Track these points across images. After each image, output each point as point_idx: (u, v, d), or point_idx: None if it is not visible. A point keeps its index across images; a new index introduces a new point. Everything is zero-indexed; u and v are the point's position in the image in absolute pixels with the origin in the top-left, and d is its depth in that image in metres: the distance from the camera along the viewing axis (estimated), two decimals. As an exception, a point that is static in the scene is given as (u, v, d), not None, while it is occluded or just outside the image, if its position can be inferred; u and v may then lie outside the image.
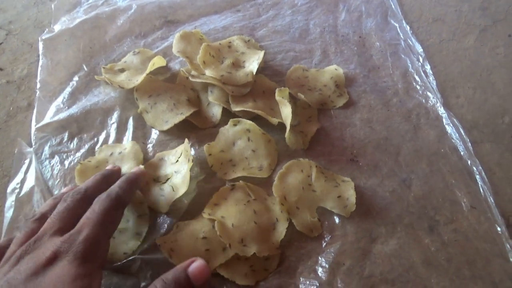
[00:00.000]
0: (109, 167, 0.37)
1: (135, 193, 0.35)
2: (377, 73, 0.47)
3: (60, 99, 0.45)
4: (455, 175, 0.39)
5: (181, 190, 0.36)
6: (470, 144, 0.41)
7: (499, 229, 0.36)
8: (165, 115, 0.42)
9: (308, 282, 0.34)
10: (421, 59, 0.47)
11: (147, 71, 0.43)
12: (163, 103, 0.43)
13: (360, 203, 0.37)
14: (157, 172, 0.39)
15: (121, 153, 0.40)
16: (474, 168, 0.39)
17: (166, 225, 0.36)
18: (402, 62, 0.47)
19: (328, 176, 0.39)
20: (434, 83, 0.45)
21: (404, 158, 0.40)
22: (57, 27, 0.51)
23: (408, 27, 0.50)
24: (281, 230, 0.36)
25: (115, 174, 0.36)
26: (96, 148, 0.42)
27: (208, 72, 0.42)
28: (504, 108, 0.44)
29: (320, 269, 0.34)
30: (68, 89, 0.46)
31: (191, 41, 0.46)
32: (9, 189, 0.39)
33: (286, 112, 0.39)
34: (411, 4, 0.54)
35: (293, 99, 0.44)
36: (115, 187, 0.31)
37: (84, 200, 0.31)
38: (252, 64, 0.44)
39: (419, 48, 0.48)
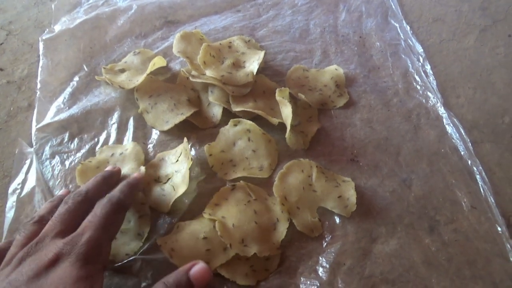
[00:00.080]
0: (109, 168, 0.37)
1: (136, 196, 0.35)
2: (377, 73, 0.47)
3: (60, 99, 0.45)
4: (455, 175, 0.39)
5: (181, 189, 0.36)
6: (470, 144, 0.41)
7: (499, 229, 0.36)
8: (166, 115, 0.42)
9: (308, 282, 0.34)
10: (421, 59, 0.47)
11: (148, 71, 0.43)
12: (163, 103, 0.43)
13: (360, 203, 0.37)
14: (158, 172, 0.39)
15: (122, 153, 0.40)
16: (475, 168, 0.39)
17: (166, 225, 0.36)
18: (403, 62, 0.47)
19: (329, 176, 0.39)
20: (434, 83, 0.45)
21: (404, 158, 0.40)
22: (57, 28, 0.51)
23: (408, 27, 0.50)
24: (282, 230, 0.36)
25: (115, 175, 0.36)
26: (97, 148, 0.42)
27: (209, 72, 0.42)
28: (504, 108, 0.44)
29: (320, 269, 0.34)
30: (69, 90, 0.46)
31: (192, 41, 0.46)
32: (10, 190, 0.39)
33: (287, 112, 0.39)
34: (411, 4, 0.54)
35: (293, 99, 0.44)
36: (116, 192, 0.32)
37: (85, 202, 0.31)
38: (253, 64, 0.44)
39: (419, 48, 0.48)
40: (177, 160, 0.39)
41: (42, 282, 0.25)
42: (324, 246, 0.36)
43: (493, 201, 0.37)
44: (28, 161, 0.41)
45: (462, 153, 0.40)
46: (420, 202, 0.38)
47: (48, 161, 0.41)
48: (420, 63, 0.47)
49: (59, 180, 0.40)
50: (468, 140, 0.41)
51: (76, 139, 0.42)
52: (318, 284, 0.34)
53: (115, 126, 0.43)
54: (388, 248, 0.35)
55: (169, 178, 0.38)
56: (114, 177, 0.36)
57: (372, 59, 0.48)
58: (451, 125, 0.42)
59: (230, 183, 0.38)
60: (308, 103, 0.44)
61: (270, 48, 0.49)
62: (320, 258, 0.35)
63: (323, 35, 0.51)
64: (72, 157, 0.41)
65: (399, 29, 0.50)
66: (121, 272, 0.34)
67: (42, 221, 0.30)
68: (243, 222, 0.35)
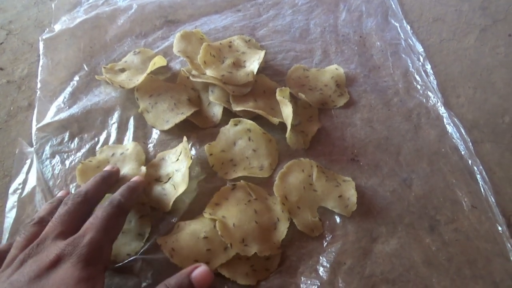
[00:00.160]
0: (108, 168, 0.37)
1: (136, 199, 0.35)
2: (377, 73, 0.47)
3: (60, 99, 0.45)
4: (455, 175, 0.39)
5: (181, 188, 0.36)
6: (470, 144, 0.41)
7: (500, 228, 0.36)
8: (166, 115, 0.42)
9: (309, 282, 0.34)
10: (421, 59, 0.47)
11: (148, 70, 0.43)
12: (163, 103, 0.43)
13: (361, 202, 0.37)
14: (159, 172, 0.39)
15: (122, 153, 0.40)
16: (475, 168, 0.39)
17: (167, 225, 0.36)
18: (403, 61, 0.47)
19: (329, 176, 0.39)
20: (435, 83, 0.45)
21: (404, 158, 0.40)
22: (57, 27, 0.51)
23: (409, 27, 0.50)
24: (282, 229, 0.36)
25: (114, 175, 0.36)
26: (97, 148, 0.42)
27: (209, 72, 0.42)
28: (504, 108, 0.44)
29: (321, 269, 0.34)
30: (69, 89, 0.46)
31: (192, 41, 0.46)
32: (11, 190, 0.39)
33: (287, 111, 0.39)
34: (412, 4, 0.54)
35: (293, 99, 0.44)
36: (117, 195, 0.32)
37: (85, 202, 0.31)
38: (253, 64, 0.44)
39: (419, 48, 0.48)
40: (178, 159, 0.39)
41: (43, 283, 0.25)
42: (324, 245, 0.36)
43: (493, 200, 0.37)
44: (28, 161, 0.41)
45: (462, 152, 0.40)
46: (421, 202, 0.38)
47: (48, 161, 0.41)
48: (420, 63, 0.47)
49: (59, 179, 0.40)
50: (469, 139, 0.41)
51: (76, 138, 0.42)
52: (319, 284, 0.34)
53: (115, 125, 0.43)
54: (388, 248, 0.35)
55: (170, 178, 0.38)
56: (113, 177, 0.36)
57: (373, 58, 0.48)
58: (452, 124, 0.42)
59: (231, 182, 0.38)
60: (309, 102, 0.44)
61: (270, 48, 0.49)
62: (321, 257, 0.35)
63: (324, 34, 0.50)
64: (72, 156, 0.41)
65: (399, 29, 0.50)
66: (121, 272, 0.34)
67: (42, 223, 0.30)
68: (244, 222, 0.35)
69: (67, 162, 0.41)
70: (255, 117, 0.41)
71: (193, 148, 0.41)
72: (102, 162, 0.40)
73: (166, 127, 0.42)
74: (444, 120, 0.43)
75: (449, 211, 0.37)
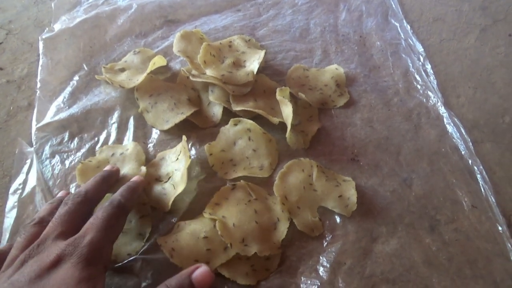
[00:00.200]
0: (107, 167, 0.37)
1: (137, 200, 0.35)
2: (377, 73, 0.47)
3: (60, 99, 0.45)
4: (456, 175, 0.39)
5: (180, 187, 0.36)
6: (471, 144, 0.41)
7: (500, 228, 0.36)
8: (166, 115, 0.42)
9: (309, 282, 0.34)
10: (421, 59, 0.47)
11: (148, 70, 0.43)
12: (163, 102, 0.43)
13: (361, 202, 0.37)
14: (159, 172, 0.39)
15: (122, 153, 0.40)
16: (475, 168, 0.39)
17: (167, 225, 0.36)
18: (403, 61, 0.47)
19: (329, 176, 0.39)
20: (435, 83, 0.45)
21: (405, 158, 0.40)
22: (57, 27, 0.51)
23: (409, 27, 0.50)
24: (282, 229, 0.36)
25: (114, 175, 0.36)
26: (97, 147, 0.42)
27: (209, 72, 0.42)
28: (504, 108, 0.44)
29: (321, 269, 0.34)
30: (69, 89, 0.46)
31: (192, 41, 0.46)
32: (11, 190, 0.39)
33: (287, 111, 0.39)
34: (412, 3, 0.54)
35: (293, 99, 0.44)
36: (117, 195, 0.32)
37: (85, 202, 0.31)
38: (253, 63, 0.44)
39: (419, 48, 0.48)
40: (177, 159, 0.38)
41: (44, 283, 0.25)
42: (324, 245, 0.36)
43: (493, 200, 0.37)
44: (28, 161, 0.41)
45: (462, 152, 0.40)
46: (421, 202, 0.38)
47: (48, 161, 0.41)
48: (420, 63, 0.47)
49: (59, 179, 0.40)
50: (469, 139, 0.41)
51: (76, 138, 0.42)
52: (319, 284, 0.33)
53: (115, 125, 0.43)
54: (388, 248, 0.35)
55: (170, 177, 0.38)
56: (113, 177, 0.36)
57: (373, 58, 0.48)
58: (452, 124, 0.42)
59: (231, 182, 0.38)
60: (309, 102, 0.43)
61: (270, 48, 0.49)
62: (321, 257, 0.35)
63: (324, 34, 0.50)
64: (72, 156, 0.41)
65: (399, 29, 0.50)
66: (121, 272, 0.34)
67: (42, 223, 0.30)
68: (244, 222, 0.35)
69: (67, 162, 0.41)
70: (255, 117, 0.41)
71: (193, 148, 0.41)
72: (102, 162, 0.40)
73: (166, 127, 0.42)
74: (444, 120, 0.43)
75: (449, 211, 0.37)
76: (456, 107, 0.44)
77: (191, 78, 0.42)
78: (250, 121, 0.40)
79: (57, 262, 0.26)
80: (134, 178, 0.36)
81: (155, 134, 0.42)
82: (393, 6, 0.52)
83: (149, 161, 0.40)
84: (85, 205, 0.31)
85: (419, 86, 0.45)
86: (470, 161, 0.40)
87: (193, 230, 0.34)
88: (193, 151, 0.41)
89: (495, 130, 0.42)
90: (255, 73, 0.43)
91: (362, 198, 0.38)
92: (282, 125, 0.40)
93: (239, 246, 0.33)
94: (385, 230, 0.36)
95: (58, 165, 0.41)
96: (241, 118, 0.41)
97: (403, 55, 0.48)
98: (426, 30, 0.51)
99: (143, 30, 0.51)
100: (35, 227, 0.30)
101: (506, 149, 0.41)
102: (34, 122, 0.43)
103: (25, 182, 0.39)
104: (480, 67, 0.47)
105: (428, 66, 0.47)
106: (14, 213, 0.37)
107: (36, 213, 0.35)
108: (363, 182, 0.39)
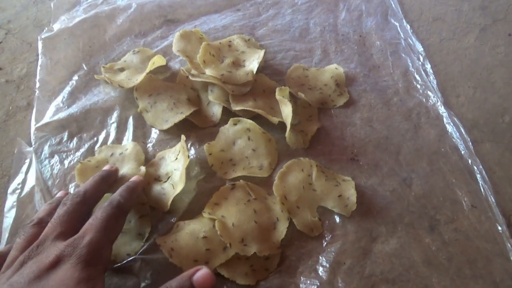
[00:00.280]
0: (106, 167, 0.37)
1: (136, 200, 0.35)
2: (377, 72, 0.47)
3: (59, 99, 0.45)
4: (455, 174, 0.39)
5: (179, 187, 0.35)
6: (470, 143, 0.41)
7: (499, 228, 0.36)
8: (165, 115, 0.42)
9: (308, 282, 0.34)
10: (421, 58, 0.47)
11: (147, 70, 0.43)
12: (163, 102, 0.43)
13: (360, 202, 0.37)
14: (158, 171, 0.39)
15: (122, 153, 0.40)
16: (475, 167, 0.39)
17: (166, 224, 0.36)
18: (403, 61, 0.47)
19: (329, 175, 0.39)
20: (435, 82, 0.45)
21: (404, 157, 0.40)
22: (56, 26, 0.51)
23: (409, 26, 0.50)
24: (282, 229, 0.35)
25: (113, 174, 0.36)
26: (96, 147, 0.41)
27: (208, 71, 0.42)
28: (504, 107, 0.44)
29: (320, 269, 0.34)
30: (68, 89, 0.46)
31: (191, 40, 0.45)
32: (10, 190, 0.39)
33: (287, 111, 0.39)
34: (411, 3, 0.53)
35: (293, 98, 0.44)
36: (116, 196, 0.32)
37: (84, 203, 0.31)
38: (252, 63, 0.44)
39: (419, 47, 0.48)
40: (176, 158, 0.38)
41: (43, 284, 0.25)
42: (324, 245, 0.36)
43: (493, 200, 0.37)
44: (27, 161, 0.41)
45: (462, 152, 0.40)
46: (420, 201, 0.38)
47: (47, 161, 0.41)
48: (420, 62, 0.47)
49: (58, 179, 0.40)
50: (468, 139, 0.41)
51: (75, 138, 0.42)
52: (318, 284, 0.33)
53: (114, 125, 0.43)
54: (388, 248, 0.35)
55: (169, 177, 0.38)
56: (112, 177, 0.36)
57: (372, 58, 0.48)
58: (451, 124, 0.42)
59: (230, 182, 0.38)
60: (308, 102, 0.43)
61: (270, 47, 0.49)
62: (320, 257, 0.35)
63: (323, 34, 0.50)
64: (71, 156, 0.41)
65: (399, 28, 0.50)
66: (120, 272, 0.34)
67: (41, 223, 0.30)
68: (243, 222, 0.35)
69: (66, 162, 0.41)
70: (255, 117, 0.41)
71: (192, 148, 0.41)
72: (101, 162, 0.39)
73: (165, 126, 0.42)
74: (444, 119, 0.43)
75: (449, 211, 0.37)
76: (456, 107, 0.44)
77: (190, 77, 0.42)
78: (250, 121, 0.40)
79: (56, 263, 0.26)
80: (133, 178, 0.35)
81: (154, 133, 0.42)
82: (393, 5, 0.52)
83: (149, 161, 0.40)
84: (84, 205, 0.31)
85: (418, 86, 0.45)
86: (469, 161, 0.40)
87: (192, 230, 0.34)
88: (192, 151, 0.41)
89: (494, 129, 0.42)
90: (254, 72, 0.43)
91: (362, 198, 0.38)
92: (282, 124, 0.40)
93: (239, 246, 0.33)
94: (385, 230, 0.36)
95: (57, 165, 0.40)
96: (240, 118, 0.41)
97: (403, 55, 0.48)
98: (426, 30, 0.51)
99: (142, 30, 0.51)
100: (34, 227, 0.30)
101: (506, 149, 0.41)
102: (33, 122, 0.43)
103: (24, 181, 0.39)
104: (479, 67, 0.47)
105: (428, 66, 0.47)
106: (13, 213, 0.37)
107: (35, 213, 0.34)
108: (362, 182, 0.39)
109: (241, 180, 0.38)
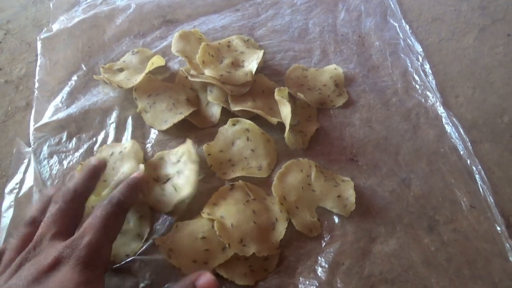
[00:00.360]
0: (93, 160, 0.35)
1: (136, 197, 0.34)
2: (376, 73, 0.47)
3: (58, 99, 0.45)
4: (454, 175, 0.39)
5: (185, 191, 0.35)
6: (469, 144, 0.41)
7: (498, 228, 0.36)
8: (164, 115, 0.42)
9: (307, 282, 0.34)
10: (420, 59, 0.47)
11: (146, 70, 0.43)
12: (162, 102, 0.43)
13: (359, 202, 0.37)
14: (157, 172, 0.39)
15: (121, 152, 0.40)
16: (474, 168, 0.39)
17: (165, 225, 0.36)
18: (402, 61, 0.47)
19: (328, 176, 0.39)
20: (434, 83, 0.45)
21: (403, 158, 0.40)
22: (55, 27, 0.51)
23: (408, 27, 0.50)
24: (281, 230, 0.35)
25: (102, 167, 0.34)
26: (95, 148, 0.41)
27: (207, 72, 0.42)
28: (503, 108, 0.44)
29: (319, 269, 0.34)
30: (67, 89, 0.46)
31: (190, 41, 0.45)
32: (7, 189, 0.39)
33: (286, 111, 0.39)
34: (410, 3, 0.53)
35: (292, 99, 0.44)
36: (116, 193, 0.31)
37: (75, 199, 0.30)
38: (251, 63, 0.44)
39: (418, 48, 0.48)
40: (179, 161, 0.38)
41: (42, 287, 0.24)
42: (323, 246, 0.36)
43: (492, 200, 0.37)
44: (26, 161, 0.41)
45: (461, 152, 0.40)
46: (420, 202, 0.38)
47: (46, 161, 0.41)
48: (419, 63, 0.47)
49: (57, 180, 0.40)
50: (467, 139, 0.41)
51: (74, 138, 0.42)
52: (317, 284, 0.33)
53: (113, 125, 0.43)
54: (387, 248, 0.35)
55: (169, 178, 0.38)
56: (101, 169, 0.34)
57: (371, 58, 0.48)
58: (450, 124, 0.42)
59: (229, 182, 0.38)
60: (307, 102, 0.43)
61: (269, 48, 0.49)
62: (319, 258, 0.35)
63: (322, 34, 0.50)
64: (70, 156, 0.41)
65: (398, 29, 0.50)
66: (119, 272, 0.34)
67: (35, 223, 0.29)
68: (242, 222, 0.35)
69: (65, 162, 0.41)
70: (254, 117, 0.41)
71: (191, 148, 0.41)
72: (100, 162, 0.39)
73: (165, 127, 0.42)
74: (443, 120, 0.43)
75: (448, 211, 0.37)
76: (455, 107, 0.44)
77: (189, 78, 0.42)
78: (249, 121, 0.40)
79: (55, 265, 0.25)
80: (133, 175, 0.35)
81: (153, 134, 0.42)
82: (392, 6, 0.52)
83: (148, 160, 0.40)
84: (76, 202, 0.30)
85: (418, 86, 0.45)
86: (468, 161, 0.40)
87: (191, 231, 0.34)
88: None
89: (493, 130, 0.42)
90: (253, 73, 0.43)
91: (361, 198, 0.38)
92: (281, 125, 0.40)
93: (237, 247, 0.33)
94: (384, 230, 0.36)
95: (56, 165, 0.40)
96: (239, 118, 0.41)
97: (402, 55, 0.48)
98: (425, 30, 0.51)
99: (141, 30, 0.51)
100: (28, 227, 0.29)
101: (505, 149, 0.41)
102: (32, 122, 0.43)
103: (22, 181, 0.39)
104: (479, 67, 0.47)
105: (427, 66, 0.47)
106: (10, 212, 0.37)
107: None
108: (361, 182, 0.39)
109: (240, 181, 0.38)
